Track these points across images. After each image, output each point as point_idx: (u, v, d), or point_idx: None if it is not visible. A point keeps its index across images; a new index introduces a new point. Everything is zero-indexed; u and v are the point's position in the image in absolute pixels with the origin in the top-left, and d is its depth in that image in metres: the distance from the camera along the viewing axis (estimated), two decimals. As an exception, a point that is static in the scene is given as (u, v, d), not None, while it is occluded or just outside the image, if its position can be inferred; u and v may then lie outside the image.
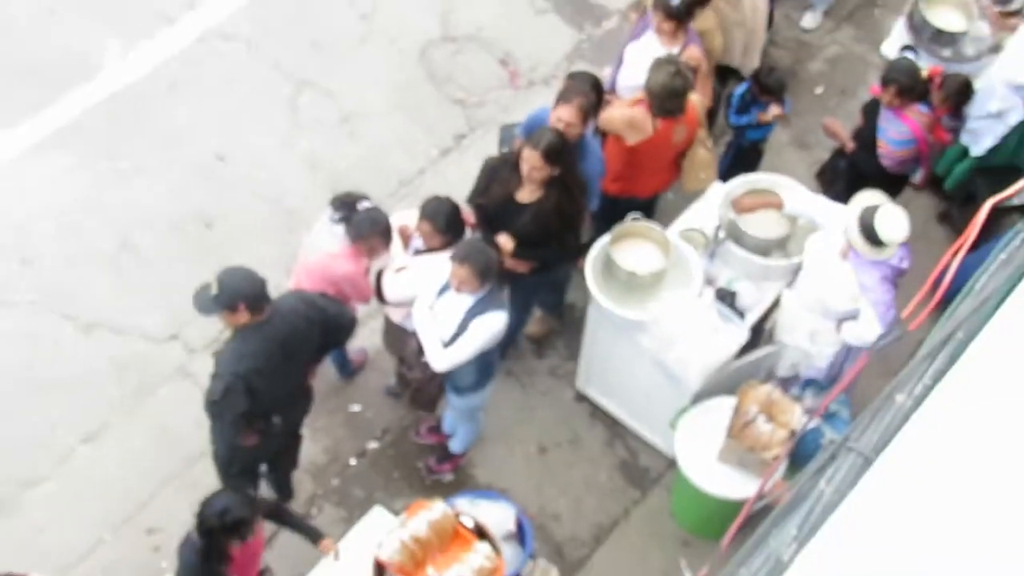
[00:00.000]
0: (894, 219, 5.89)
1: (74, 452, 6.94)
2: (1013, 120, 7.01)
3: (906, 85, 6.78)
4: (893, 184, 7.27)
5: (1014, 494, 2.36)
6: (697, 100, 6.74)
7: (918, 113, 6.89)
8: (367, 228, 6.15)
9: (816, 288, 6.16)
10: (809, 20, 9.00)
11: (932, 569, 2.39)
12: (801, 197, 6.59)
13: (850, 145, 7.26)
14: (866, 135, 7.13)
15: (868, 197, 6.27)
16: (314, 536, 5.66)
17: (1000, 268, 2.85)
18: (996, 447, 2.43)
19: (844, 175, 7.45)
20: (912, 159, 7.10)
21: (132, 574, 6.36)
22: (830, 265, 6.11)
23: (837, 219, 6.19)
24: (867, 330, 6.00)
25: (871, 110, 7.11)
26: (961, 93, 7.04)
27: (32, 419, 7.02)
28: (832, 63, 8.92)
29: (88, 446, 6.97)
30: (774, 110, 7.25)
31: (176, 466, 6.86)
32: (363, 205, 6.26)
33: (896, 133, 6.93)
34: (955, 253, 3.17)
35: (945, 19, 7.57)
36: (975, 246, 3.35)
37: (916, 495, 2.53)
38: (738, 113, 7.42)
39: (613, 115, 6.60)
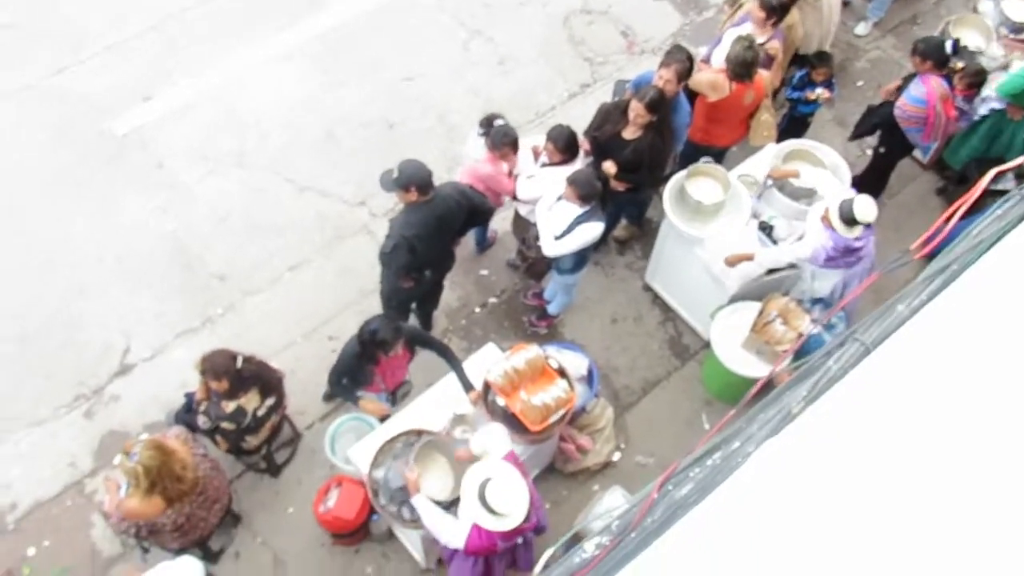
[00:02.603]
0: (867, 205, 5.57)
1: (282, 276, 7.09)
2: (984, 111, 6.86)
3: (922, 50, 6.45)
4: (902, 140, 6.91)
5: (977, 387, 2.29)
6: (766, 76, 6.49)
7: (938, 83, 6.47)
8: (499, 139, 6.09)
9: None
10: (861, 28, 8.54)
11: (904, 430, 2.33)
12: (815, 173, 6.35)
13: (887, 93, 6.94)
14: (897, 93, 6.76)
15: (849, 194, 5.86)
16: (445, 354, 5.69)
17: (994, 221, 2.71)
18: (971, 350, 2.35)
19: (871, 119, 7.16)
20: (918, 119, 6.61)
21: (314, 364, 6.48)
22: (813, 223, 5.86)
23: (833, 195, 5.89)
24: (793, 251, 5.92)
25: (908, 79, 6.73)
26: (977, 75, 6.66)
27: (257, 249, 7.19)
28: (873, 63, 8.47)
29: (293, 273, 7.12)
30: (824, 93, 6.94)
31: (353, 296, 6.96)
32: (497, 123, 6.19)
33: (916, 92, 6.53)
34: (954, 212, 3.02)
35: (969, 38, 7.09)
36: (963, 216, 3.18)
37: (900, 380, 2.46)
38: (793, 89, 7.12)
39: (701, 78, 6.40)
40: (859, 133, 7.26)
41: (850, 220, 5.57)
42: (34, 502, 6.10)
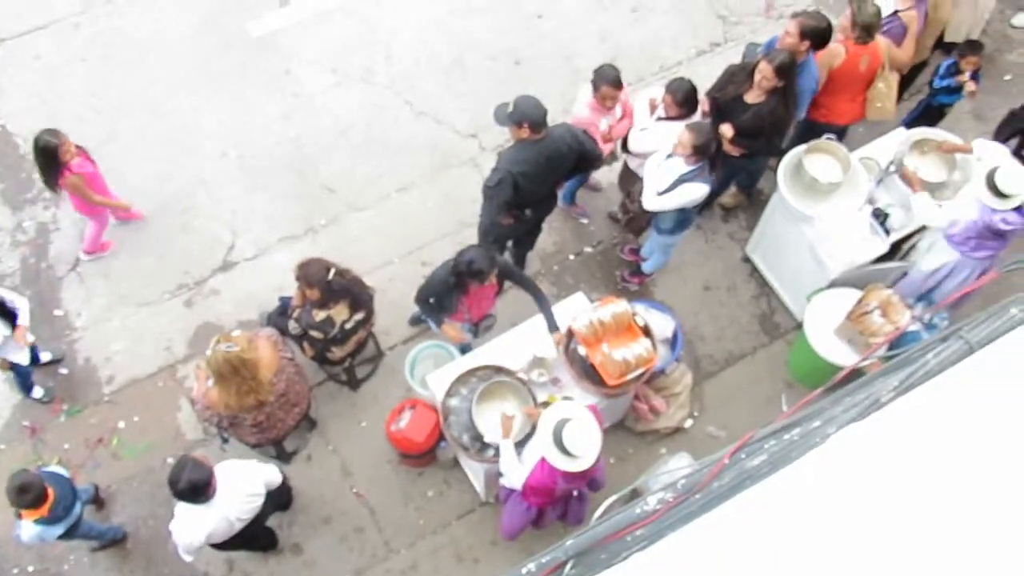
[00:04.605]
0: (1010, 175, 5.30)
1: (389, 196, 7.19)
2: None
3: None
4: None
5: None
6: (884, 43, 6.12)
7: None
8: (599, 77, 5.94)
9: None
10: (1019, 19, 7.98)
11: (997, 437, 2.23)
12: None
13: None
14: None
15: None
16: (535, 293, 5.65)
17: None
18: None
19: (1014, 125, 6.82)
20: None
21: (404, 287, 6.48)
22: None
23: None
24: (934, 215, 5.73)
25: None
26: None
27: (369, 166, 7.29)
28: (1026, 58, 7.98)
29: (399, 194, 7.20)
30: (969, 84, 6.56)
31: (452, 226, 7.01)
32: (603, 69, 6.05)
33: None
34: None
35: None
36: None
37: (1001, 387, 2.34)
38: (940, 78, 6.76)
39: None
40: (1002, 138, 6.86)
41: (995, 190, 5.37)
42: (130, 378, 6.43)
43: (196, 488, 4.52)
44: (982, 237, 5.55)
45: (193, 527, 4.66)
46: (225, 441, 5.72)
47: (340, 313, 5.62)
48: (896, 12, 6.29)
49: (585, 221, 7.18)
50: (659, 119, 6.11)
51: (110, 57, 7.71)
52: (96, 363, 6.48)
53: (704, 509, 2.36)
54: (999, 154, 5.96)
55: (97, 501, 5.97)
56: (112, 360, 6.49)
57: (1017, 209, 5.43)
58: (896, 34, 6.24)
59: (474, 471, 5.93)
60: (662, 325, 6.10)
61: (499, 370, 5.43)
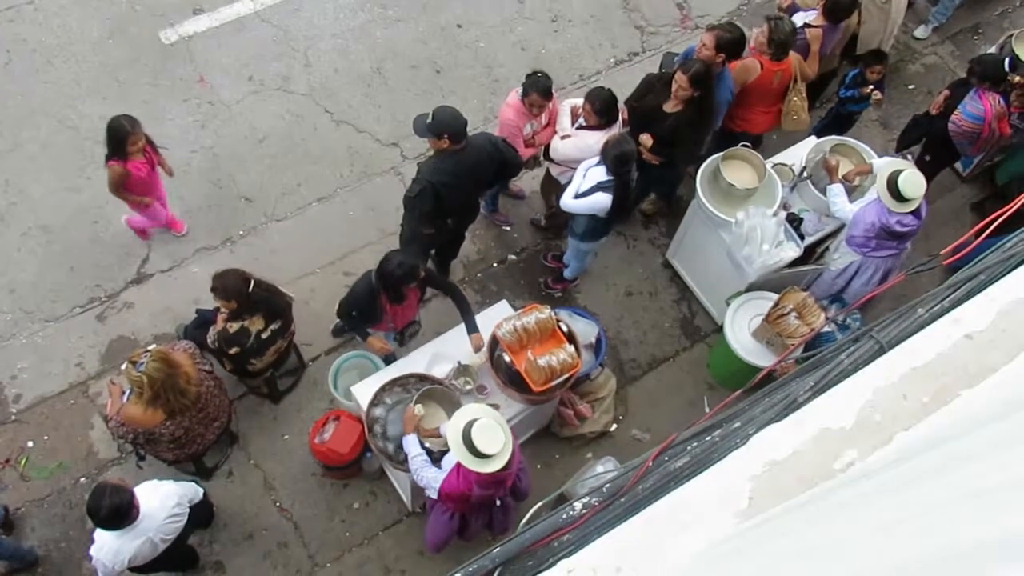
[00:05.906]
0: (911, 180, 5.54)
1: (309, 206, 7.09)
2: None
3: (979, 72, 6.34)
4: (948, 151, 6.87)
5: (991, 401, 2.24)
6: (795, 58, 6.34)
7: (995, 101, 6.36)
8: (529, 84, 5.96)
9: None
10: (921, 31, 8.36)
11: (906, 437, 2.30)
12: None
13: (937, 108, 6.78)
14: (949, 104, 6.65)
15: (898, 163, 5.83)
16: (455, 296, 5.63)
17: (1030, 237, 2.65)
18: (987, 364, 2.30)
19: (917, 131, 7.11)
20: (971, 135, 6.52)
21: (327, 297, 6.47)
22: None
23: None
24: (841, 207, 5.99)
25: (960, 87, 6.61)
26: None
27: (287, 176, 7.17)
28: (927, 69, 8.31)
29: (319, 204, 7.10)
30: (875, 94, 6.81)
31: (374, 235, 6.94)
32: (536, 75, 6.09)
33: (973, 109, 6.42)
34: (989, 223, 2.95)
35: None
36: (994, 232, 3.10)
37: (911, 385, 2.42)
38: (846, 88, 7.00)
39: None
40: (906, 144, 7.16)
41: (896, 194, 5.56)
42: (38, 397, 6.18)
43: (118, 513, 4.34)
44: (880, 238, 5.77)
45: (117, 552, 4.47)
46: (141, 458, 5.54)
47: (255, 324, 5.51)
48: (805, 26, 6.50)
49: (508, 228, 7.20)
50: (579, 127, 6.18)
51: (12, 65, 7.42)
52: (2, 381, 6.21)
53: (630, 512, 2.37)
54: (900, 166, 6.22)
55: (6, 524, 5.72)
56: (19, 378, 6.23)
57: (913, 212, 5.66)
58: (799, 48, 6.46)
59: (401, 481, 5.87)
60: (586, 331, 6.14)
61: (424, 378, 5.40)
